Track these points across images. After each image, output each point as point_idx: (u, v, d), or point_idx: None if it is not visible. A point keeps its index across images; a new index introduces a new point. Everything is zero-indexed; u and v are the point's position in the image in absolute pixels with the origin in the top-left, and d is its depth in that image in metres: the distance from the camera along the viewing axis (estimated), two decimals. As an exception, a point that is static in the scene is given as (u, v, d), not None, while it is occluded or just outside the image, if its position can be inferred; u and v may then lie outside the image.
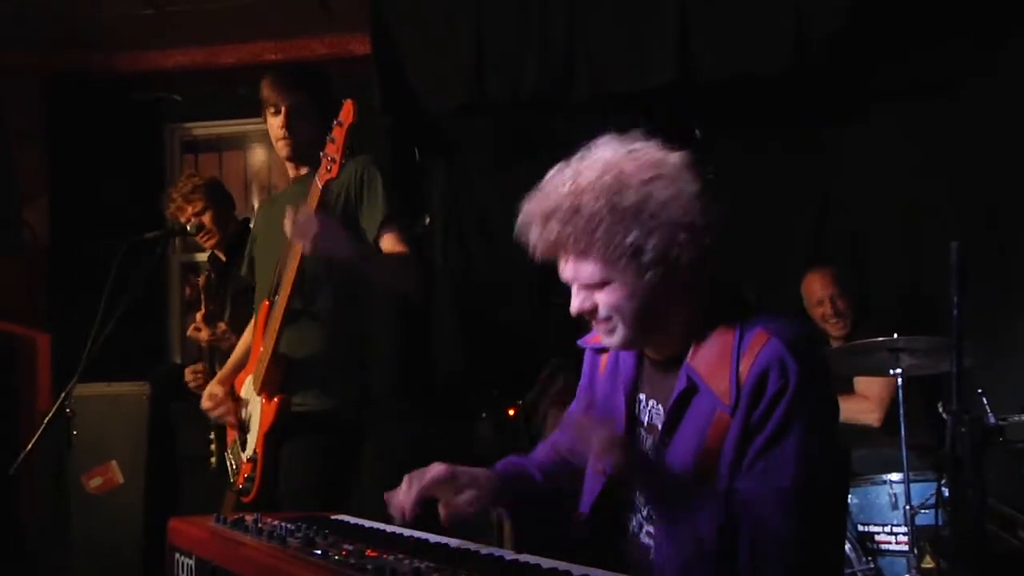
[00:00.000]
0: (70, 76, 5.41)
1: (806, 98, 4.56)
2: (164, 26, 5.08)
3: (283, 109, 3.15)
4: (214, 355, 4.00)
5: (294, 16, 5.05)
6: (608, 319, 1.84)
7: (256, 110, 3.51)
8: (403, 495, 1.93)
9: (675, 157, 1.80)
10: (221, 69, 5.38)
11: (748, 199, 4.68)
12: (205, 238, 4.11)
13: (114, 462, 4.50)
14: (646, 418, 1.93)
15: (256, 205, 5.49)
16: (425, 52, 4.59)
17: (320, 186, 2.87)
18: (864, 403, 4.17)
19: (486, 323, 5.03)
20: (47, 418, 3.63)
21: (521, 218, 1.83)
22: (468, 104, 4.51)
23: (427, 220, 5.05)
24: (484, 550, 1.73)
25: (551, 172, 1.83)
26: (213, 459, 3.62)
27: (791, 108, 4.64)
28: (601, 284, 1.81)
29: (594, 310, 1.84)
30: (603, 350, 2.07)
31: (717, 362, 1.79)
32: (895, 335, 3.61)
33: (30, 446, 3.58)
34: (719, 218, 1.77)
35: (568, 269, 1.83)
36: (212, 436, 3.72)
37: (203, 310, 3.94)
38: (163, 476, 4.56)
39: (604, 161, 1.79)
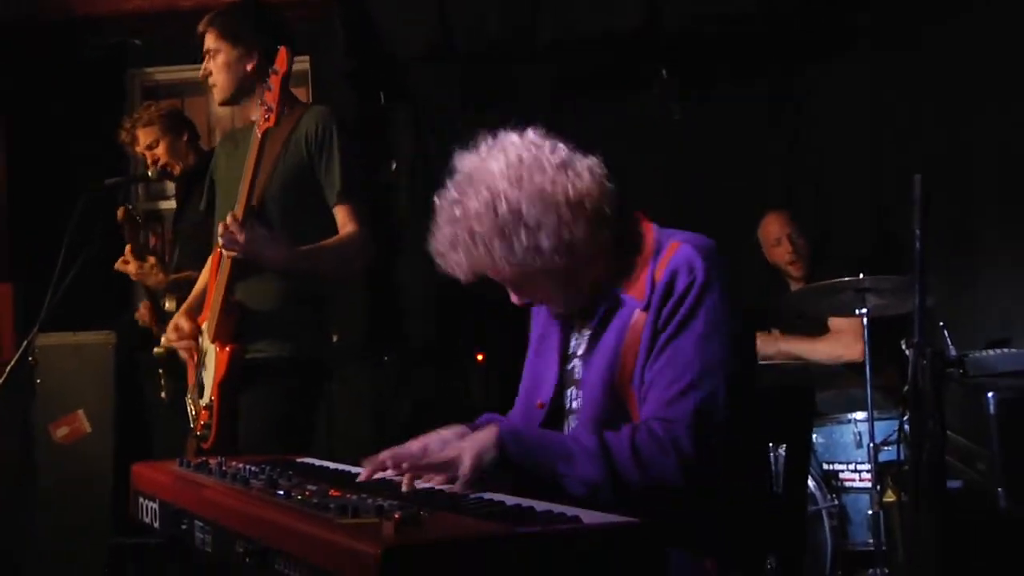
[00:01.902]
0: (27, 22, 5.27)
1: (773, 41, 4.54)
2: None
3: (209, 53, 3.12)
4: (158, 295, 3.97)
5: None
6: (545, 301, 2.02)
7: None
8: (373, 467, 1.93)
9: (528, 141, 1.92)
10: (181, 12, 5.25)
11: (715, 141, 4.68)
12: (165, 176, 4.06)
13: (81, 411, 4.47)
14: (580, 349, 2.03)
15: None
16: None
17: (259, 135, 2.87)
18: (843, 339, 4.20)
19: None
20: (8, 367, 3.60)
21: (434, 255, 1.97)
22: (433, 49, 4.45)
23: (393, 165, 5.00)
24: (447, 489, 1.74)
25: (439, 203, 1.94)
26: (163, 393, 3.61)
27: (757, 51, 4.61)
28: (524, 283, 1.95)
29: (531, 302, 2.02)
30: None
31: (636, 275, 1.94)
32: (861, 275, 3.63)
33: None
34: (594, 173, 1.92)
35: (493, 277, 1.96)
36: (160, 371, 3.73)
37: (128, 243, 3.88)
38: (132, 424, 4.54)
39: (475, 178, 1.90)
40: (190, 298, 3.30)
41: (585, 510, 1.50)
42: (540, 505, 1.53)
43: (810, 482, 3.68)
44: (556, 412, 2.05)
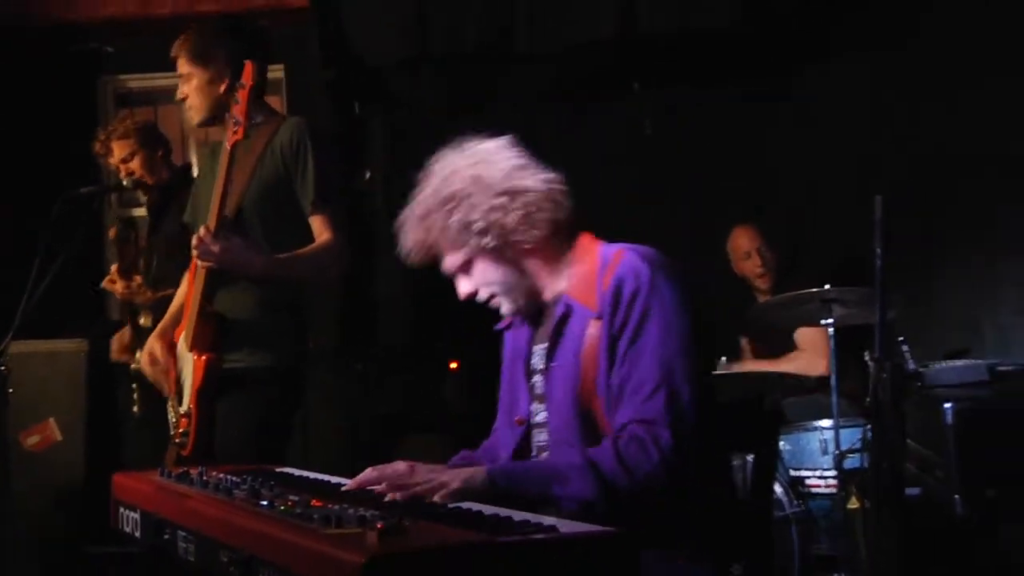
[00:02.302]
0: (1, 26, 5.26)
1: (745, 54, 4.62)
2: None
3: (182, 76, 3.14)
4: (136, 312, 3.98)
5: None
6: (491, 295, 2.10)
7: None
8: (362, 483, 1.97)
9: (496, 143, 2.09)
10: (156, 20, 5.27)
11: (687, 152, 4.75)
12: (138, 186, 4.07)
13: (52, 420, 4.46)
14: (540, 363, 2.12)
15: (194, 159, 5.42)
16: (366, 4, 4.55)
17: (228, 149, 2.91)
18: (807, 357, 4.29)
19: (429, 277, 5.05)
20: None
21: (401, 243, 2.12)
22: (410, 57, 4.49)
23: (367, 174, 5.04)
24: (427, 501, 1.78)
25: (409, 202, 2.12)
26: (136, 408, 3.63)
27: (730, 64, 4.70)
28: (465, 267, 2.07)
29: (475, 292, 2.10)
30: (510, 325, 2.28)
31: (585, 282, 2.03)
32: (826, 286, 3.71)
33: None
34: (540, 181, 2.05)
35: (443, 265, 2.11)
36: (134, 386, 3.74)
37: (117, 262, 3.90)
38: (104, 433, 4.54)
39: (438, 168, 2.09)
40: (166, 317, 3.33)
41: (561, 520, 1.55)
42: (518, 515, 1.58)
43: (778, 488, 3.74)
44: (528, 428, 2.12)
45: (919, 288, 4.42)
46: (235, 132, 2.89)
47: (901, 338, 3.14)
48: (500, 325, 2.28)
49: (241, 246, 2.96)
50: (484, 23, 4.38)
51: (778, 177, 5.00)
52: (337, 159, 3.34)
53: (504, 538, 1.39)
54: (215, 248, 2.91)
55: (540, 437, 2.10)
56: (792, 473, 3.85)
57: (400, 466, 1.97)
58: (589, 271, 2.03)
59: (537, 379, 2.12)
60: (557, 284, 2.08)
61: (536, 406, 2.11)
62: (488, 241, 2.01)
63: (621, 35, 4.26)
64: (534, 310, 2.14)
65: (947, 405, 2.70)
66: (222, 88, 3.10)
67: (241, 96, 2.85)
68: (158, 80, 5.55)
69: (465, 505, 1.71)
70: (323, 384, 4.35)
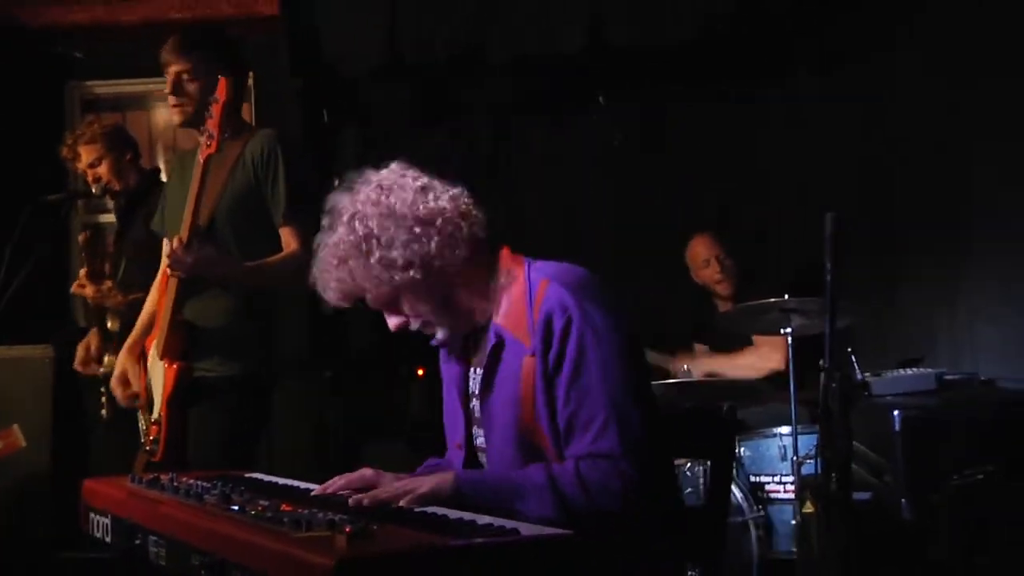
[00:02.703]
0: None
1: (713, 65, 4.71)
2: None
3: (172, 74, 3.17)
4: (102, 317, 3.98)
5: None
6: (424, 325, 2.06)
7: (159, 69, 3.45)
8: (332, 488, 2.01)
9: (390, 172, 2.03)
10: (124, 26, 5.27)
11: (650, 164, 4.83)
12: (106, 192, 4.08)
13: (16, 426, 4.43)
14: (476, 387, 2.11)
15: (162, 165, 5.42)
16: (337, 14, 4.59)
17: (202, 162, 2.96)
18: (762, 351, 4.37)
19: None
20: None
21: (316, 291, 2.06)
22: (382, 67, 4.54)
23: (336, 183, 5.07)
24: (395, 505, 1.83)
25: (315, 242, 2.06)
26: (104, 411, 3.64)
27: (697, 76, 4.78)
28: (392, 302, 2.03)
29: (406, 324, 2.06)
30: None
31: (515, 313, 2.01)
32: (786, 296, 3.80)
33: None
34: (451, 199, 2.01)
35: (370, 303, 2.04)
36: (103, 390, 3.75)
37: (87, 267, 3.90)
38: (70, 439, 4.53)
39: (340, 208, 2.01)
40: (136, 328, 3.36)
41: (523, 523, 1.61)
42: (482, 519, 1.64)
43: (738, 493, 3.83)
44: (471, 450, 2.15)
45: (879, 298, 4.54)
46: (208, 146, 2.93)
47: (850, 348, 3.23)
48: (434, 342, 2.25)
49: (212, 257, 3.01)
50: (455, 35, 4.42)
51: (740, 188, 5.09)
52: (310, 169, 3.39)
53: (468, 541, 1.44)
54: (188, 259, 2.95)
55: (482, 458, 2.12)
56: (752, 479, 3.94)
57: (367, 472, 2.00)
58: (517, 300, 2.01)
59: (475, 404, 2.12)
60: (486, 306, 2.06)
61: (477, 430, 2.13)
62: (413, 274, 1.96)
63: (590, 46, 4.32)
64: (467, 331, 2.11)
65: (895, 413, 2.80)
66: (203, 90, 3.12)
67: (215, 110, 2.90)
68: (125, 86, 5.57)
69: (431, 509, 1.76)
70: (291, 391, 4.38)
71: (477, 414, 2.11)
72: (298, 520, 1.54)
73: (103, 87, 5.60)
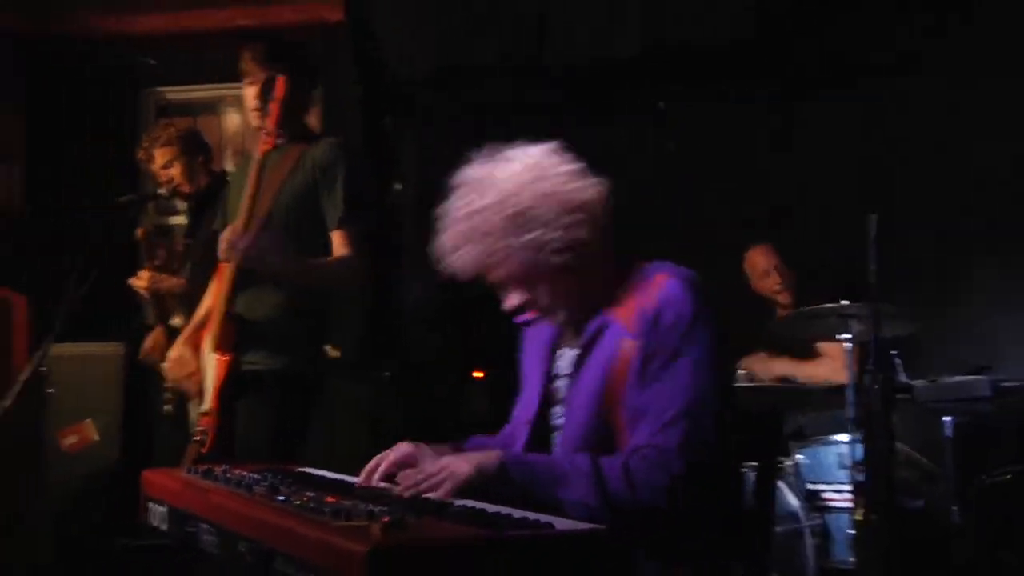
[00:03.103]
0: (44, 41, 5.44)
1: (764, 72, 4.68)
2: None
3: (259, 82, 3.26)
4: (168, 314, 4.09)
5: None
6: (545, 309, 2.07)
7: (230, 75, 3.57)
8: (368, 475, 2.08)
9: (543, 151, 2.03)
10: (194, 34, 5.43)
11: (707, 170, 4.81)
12: (175, 194, 4.19)
13: (89, 420, 4.59)
14: (564, 367, 2.12)
15: (230, 168, 5.55)
16: (396, 20, 4.66)
17: (259, 158, 3.03)
18: (832, 364, 4.32)
19: (454, 289, 5.15)
20: (21, 378, 3.74)
21: (437, 253, 2.03)
22: (439, 73, 4.60)
23: (399, 187, 5.15)
24: (434, 496, 1.87)
25: (448, 207, 2.03)
26: (168, 407, 3.75)
27: (750, 80, 4.76)
28: (521, 283, 2.03)
29: (525, 305, 2.06)
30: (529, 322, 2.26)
31: (626, 302, 2.02)
32: (844, 301, 3.76)
33: (10, 403, 3.71)
34: (600, 190, 2.03)
35: (495, 280, 2.04)
36: (167, 386, 3.86)
37: (147, 265, 4.03)
38: (138, 433, 4.67)
39: (488, 180, 1.99)
40: (193, 320, 3.46)
41: (558, 518, 1.63)
42: (517, 513, 1.66)
43: (794, 501, 3.80)
44: (542, 429, 2.15)
45: (947, 305, 4.46)
46: (265, 142, 2.99)
47: (895, 351, 3.19)
48: (520, 319, 2.24)
49: (266, 247, 3.08)
50: (511, 41, 4.47)
51: (795, 193, 5.04)
52: (368, 179, 3.47)
53: (500, 533, 1.47)
54: (240, 246, 3.02)
55: (557, 439, 2.12)
56: (809, 487, 3.90)
57: (404, 447, 2.04)
58: (631, 292, 2.02)
59: (560, 383, 2.14)
60: (605, 297, 2.06)
61: (557, 409, 2.13)
62: (562, 259, 1.97)
63: (644, 52, 4.33)
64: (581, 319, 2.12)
65: (946, 419, 2.75)
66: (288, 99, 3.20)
67: (272, 108, 2.98)
68: (196, 91, 5.73)
69: (472, 503, 1.79)
70: (348, 393, 4.47)
71: (562, 394, 2.12)
72: (338, 511, 1.58)
73: (175, 93, 5.77)
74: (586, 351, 2.05)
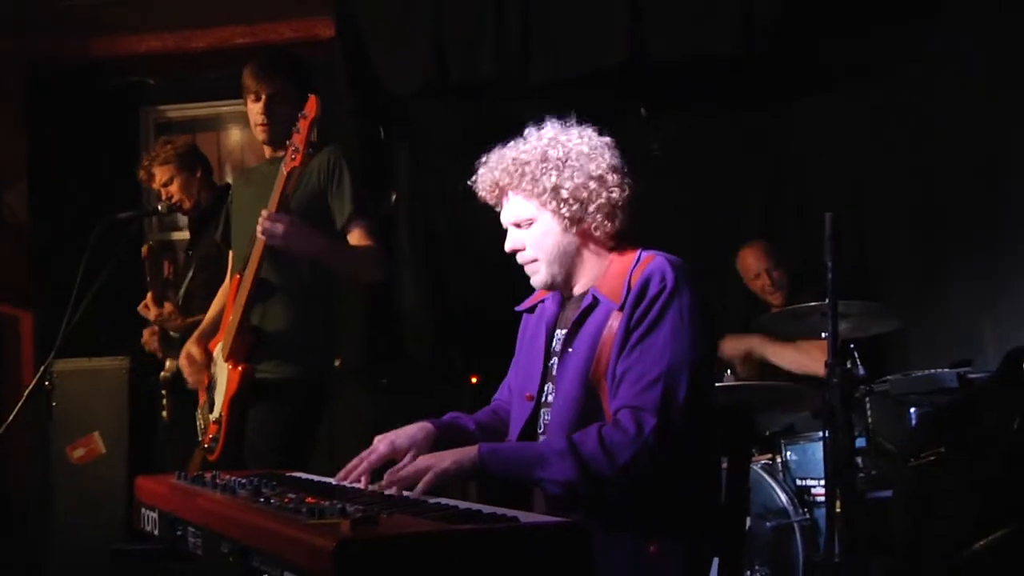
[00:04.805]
0: (47, 63, 5.54)
1: (753, 79, 4.74)
2: (137, 13, 5.22)
3: (263, 97, 3.35)
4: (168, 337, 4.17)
5: (263, 0, 5.19)
6: (533, 260, 2.23)
7: (227, 92, 3.66)
8: (354, 474, 2.16)
9: (604, 138, 2.25)
10: (192, 53, 5.52)
11: (696, 176, 4.88)
12: (174, 210, 4.27)
13: (96, 433, 4.67)
14: (559, 346, 2.24)
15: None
16: (387, 36, 4.75)
17: (285, 174, 3.09)
18: (813, 352, 4.35)
19: (449, 297, 5.24)
20: (27, 392, 3.83)
21: (477, 175, 2.26)
22: (428, 87, 4.68)
23: (393, 197, 5.23)
24: (411, 495, 1.95)
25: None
26: (165, 413, 3.82)
27: (739, 88, 4.82)
28: (528, 222, 2.21)
29: (520, 250, 2.23)
30: (532, 310, 2.41)
31: (615, 279, 2.17)
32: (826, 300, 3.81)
33: (11, 418, 3.80)
34: (628, 185, 2.20)
35: (505, 209, 2.24)
36: (163, 392, 3.94)
37: (151, 288, 4.09)
38: (145, 445, 4.75)
39: (542, 131, 2.23)
40: (203, 324, 3.54)
41: (523, 512, 1.71)
42: (487, 508, 1.74)
43: (783, 496, 3.86)
44: (539, 405, 2.26)
45: (929, 302, 4.51)
46: (293, 159, 3.05)
47: (852, 345, 3.26)
48: (522, 307, 2.43)
49: (304, 225, 3.13)
50: (499, 54, 4.54)
51: (785, 195, 5.10)
52: (366, 184, 3.55)
53: (463, 526, 1.55)
54: (280, 226, 3.06)
55: (547, 416, 2.22)
56: (798, 482, 3.96)
57: (381, 448, 2.15)
58: (621, 269, 2.17)
59: (554, 361, 2.24)
60: (594, 276, 2.21)
61: (549, 386, 2.24)
62: (567, 210, 2.15)
63: (629, 61, 4.40)
64: (562, 293, 2.28)
65: (912, 410, 2.83)
66: (287, 110, 3.29)
67: (303, 126, 3.01)
68: (195, 109, 5.84)
69: (445, 501, 1.87)
70: (348, 399, 4.55)
71: (554, 372, 2.23)
72: (313, 510, 1.66)
73: (175, 111, 5.88)
74: (576, 327, 2.18)
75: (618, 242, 2.23)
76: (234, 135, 5.82)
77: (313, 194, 3.29)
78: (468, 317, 5.07)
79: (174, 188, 4.21)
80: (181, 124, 5.88)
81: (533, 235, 2.21)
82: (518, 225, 2.23)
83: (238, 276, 3.29)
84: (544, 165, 2.15)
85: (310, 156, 3.13)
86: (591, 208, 2.16)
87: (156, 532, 2.25)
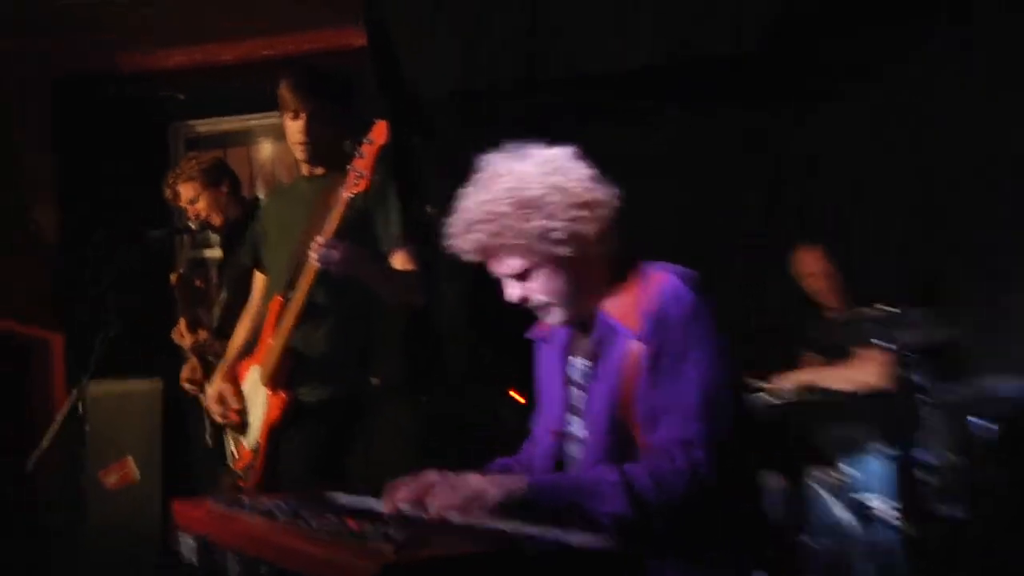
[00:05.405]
0: (75, 78, 5.52)
1: (753, 79, 4.65)
2: (164, 26, 5.18)
3: (303, 115, 3.23)
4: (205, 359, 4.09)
5: (291, 11, 5.13)
6: (542, 304, 2.10)
7: (258, 105, 3.56)
8: (395, 499, 2.02)
9: (562, 152, 2.08)
10: (222, 67, 5.47)
11: (696, 176, 4.78)
12: (205, 227, 4.18)
13: (130, 458, 4.60)
14: (577, 376, 2.14)
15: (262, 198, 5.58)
16: (415, 38, 4.68)
17: (346, 198, 2.96)
18: (868, 366, 4.21)
19: (486, 311, 5.12)
20: (60, 416, 3.75)
21: (446, 237, 2.09)
22: (457, 91, 4.60)
23: (429, 208, 5.13)
24: (459, 521, 1.83)
25: (462, 192, 2.08)
26: (208, 437, 3.72)
27: (739, 88, 4.72)
28: (525, 273, 2.06)
29: (527, 298, 2.09)
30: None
31: (626, 301, 2.05)
32: (885, 307, 3.66)
33: (44, 443, 3.71)
34: (611, 195, 2.08)
35: (496, 267, 2.09)
36: (207, 419, 3.84)
37: (184, 316, 4.01)
38: (179, 469, 4.67)
39: (503, 170, 2.04)
40: (229, 354, 3.43)
41: (572, 532, 1.59)
42: (531, 530, 1.62)
43: (843, 513, 3.69)
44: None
45: (991, 308, 4.35)
46: (356, 184, 2.93)
47: (913, 354, 3.13)
48: (532, 334, 2.30)
49: (360, 251, 3.05)
50: (522, 57, 4.48)
51: (785, 195, 4.98)
52: (420, 201, 3.45)
53: (509, 549, 1.46)
54: (337, 253, 2.96)
55: (572, 448, 2.13)
56: (858, 498, 3.77)
57: (431, 476, 2.00)
58: (630, 291, 2.05)
59: (575, 392, 2.15)
60: (599, 298, 2.09)
61: (571, 417, 2.14)
62: (563, 251, 2.02)
63: (654, 62, 4.33)
64: (576, 322, 2.15)
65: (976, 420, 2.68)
66: (328, 129, 3.23)
67: (368, 151, 2.91)
68: (225, 124, 5.78)
69: (493, 525, 1.76)
70: (390, 417, 4.44)
71: (576, 403, 2.13)
72: (355, 533, 1.56)
73: (204, 125, 5.83)
74: (596, 360, 2.08)
75: (617, 254, 2.12)
76: (265, 149, 5.76)
77: (358, 215, 3.16)
78: (509, 331, 4.95)
79: (201, 205, 4.12)
80: (211, 139, 5.83)
81: (533, 283, 2.08)
82: (517, 277, 2.09)
83: (279, 299, 3.19)
84: (525, 212, 1.99)
85: (335, 172, 3.06)
86: (590, 238, 2.04)
87: (193, 557, 2.15)
